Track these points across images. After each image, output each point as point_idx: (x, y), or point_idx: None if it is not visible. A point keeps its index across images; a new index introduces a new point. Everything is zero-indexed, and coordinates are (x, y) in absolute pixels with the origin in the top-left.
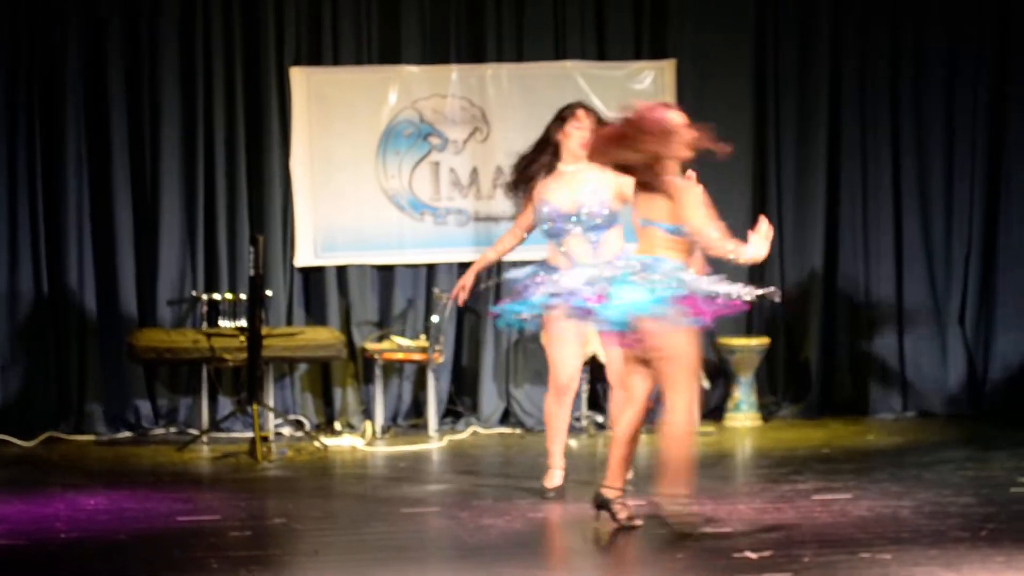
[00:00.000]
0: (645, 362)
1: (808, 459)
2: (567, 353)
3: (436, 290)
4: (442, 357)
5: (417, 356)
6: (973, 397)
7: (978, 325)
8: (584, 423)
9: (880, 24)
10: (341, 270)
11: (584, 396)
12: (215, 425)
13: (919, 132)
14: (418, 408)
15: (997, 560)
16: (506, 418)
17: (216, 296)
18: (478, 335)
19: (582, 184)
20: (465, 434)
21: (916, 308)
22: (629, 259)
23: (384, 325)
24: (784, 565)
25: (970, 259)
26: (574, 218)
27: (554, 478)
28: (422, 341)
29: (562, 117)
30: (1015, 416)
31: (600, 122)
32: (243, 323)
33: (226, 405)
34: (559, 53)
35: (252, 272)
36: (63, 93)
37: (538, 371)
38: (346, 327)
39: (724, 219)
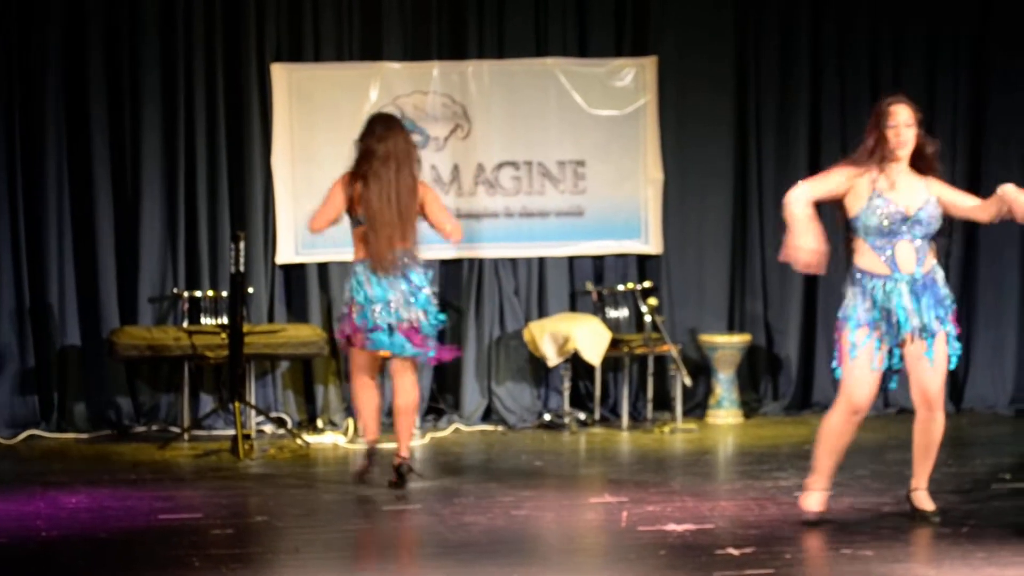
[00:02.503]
0: None
1: (790, 456)
2: None
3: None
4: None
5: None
6: (954, 394)
7: (959, 320)
8: (566, 420)
9: (860, 17)
10: (323, 267)
11: (566, 393)
12: (197, 423)
13: None
14: None
15: (978, 556)
16: (488, 415)
17: (197, 293)
18: (460, 332)
19: None
20: (447, 431)
21: None
22: None
23: None
24: (766, 562)
25: (950, 260)
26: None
27: None
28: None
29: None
30: (995, 413)
31: None
32: (225, 320)
33: (208, 403)
34: (540, 50)
35: (233, 269)
36: (43, 88)
37: (520, 368)
38: (328, 324)
39: (706, 216)
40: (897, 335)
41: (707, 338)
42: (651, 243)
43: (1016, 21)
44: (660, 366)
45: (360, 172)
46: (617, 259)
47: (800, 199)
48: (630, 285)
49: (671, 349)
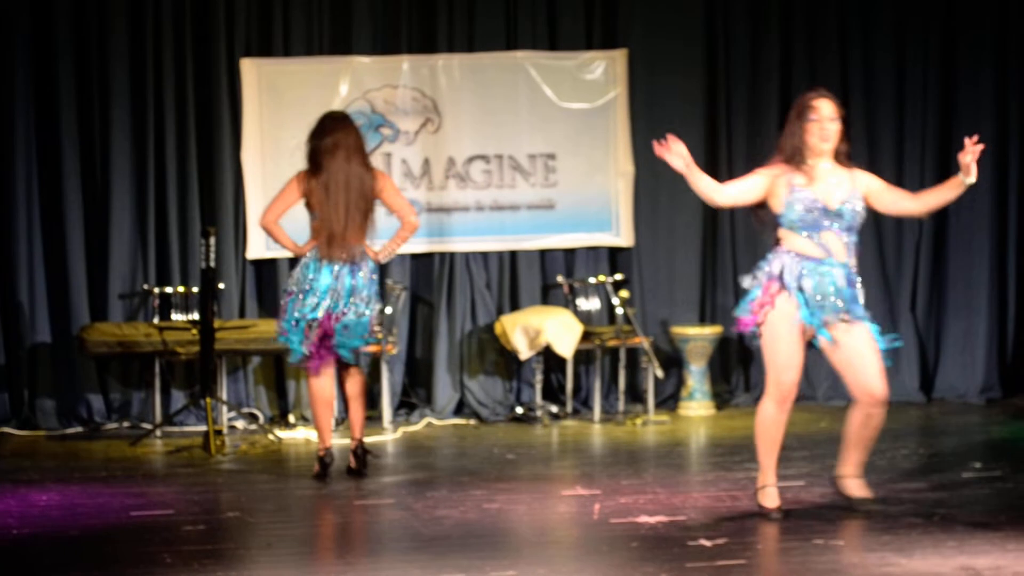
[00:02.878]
0: None
1: None
2: None
3: (389, 281)
4: (396, 349)
5: (371, 348)
6: (925, 383)
7: (929, 312)
8: (539, 413)
9: (830, 6)
10: (294, 262)
11: (538, 386)
12: (168, 419)
13: (869, 123)
14: (372, 400)
15: (949, 545)
16: (460, 409)
17: (168, 289)
18: (431, 326)
19: None
20: (419, 425)
21: (868, 295)
22: None
23: None
24: (738, 552)
25: (920, 246)
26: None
27: None
28: (376, 333)
29: None
30: (966, 401)
31: None
32: (195, 316)
33: (179, 399)
34: (510, 43)
35: (204, 265)
36: (12, 86)
37: (492, 361)
38: None
39: (677, 209)
40: (820, 316)
41: (679, 330)
42: (622, 236)
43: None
44: (632, 358)
45: (312, 167)
46: (588, 252)
47: (718, 192)
48: (601, 278)
49: (643, 341)
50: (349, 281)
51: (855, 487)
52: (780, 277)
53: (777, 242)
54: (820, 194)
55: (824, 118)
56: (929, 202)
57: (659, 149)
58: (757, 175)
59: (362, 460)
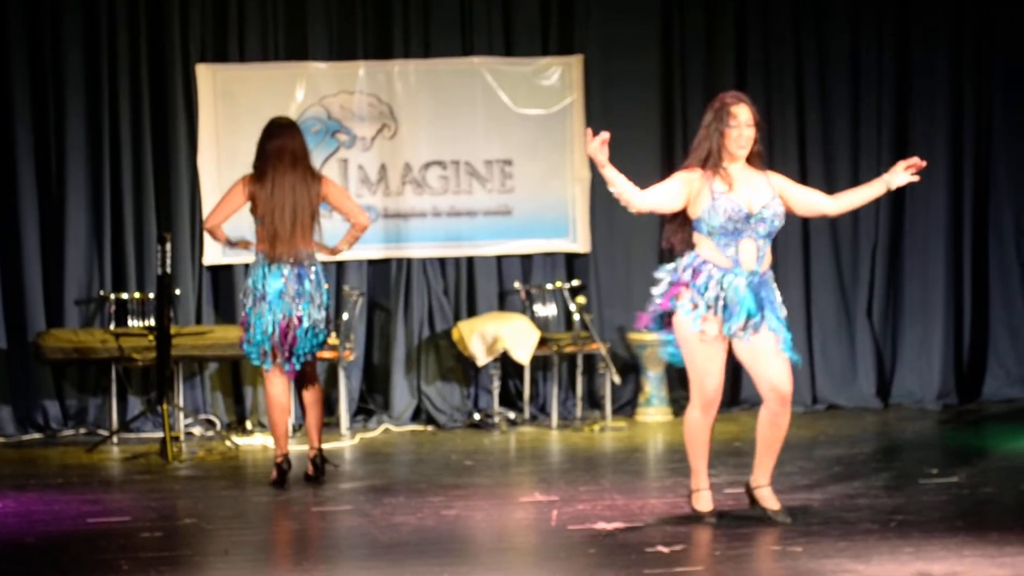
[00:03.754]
0: None
1: (719, 453)
2: None
3: (346, 287)
4: (353, 355)
5: (328, 354)
6: (882, 389)
7: (885, 317)
8: (496, 419)
9: (784, 12)
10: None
11: (495, 392)
12: (125, 426)
13: (825, 128)
14: (330, 406)
15: (906, 551)
16: (418, 415)
17: (124, 295)
18: (389, 332)
19: None
20: (377, 432)
21: (824, 301)
22: None
23: None
24: (696, 559)
25: (876, 251)
26: None
27: None
28: (332, 339)
29: None
30: (923, 408)
31: None
32: (152, 322)
33: (136, 405)
34: (466, 49)
35: (160, 271)
36: None
37: (450, 368)
38: None
39: (633, 215)
40: (730, 324)
41: (636, 336)
42: (579, 242)
43: None
44: (589, 364)
45: (257, 171)
46: (545, 258)
47: (636, 197)
48: (558, 284)
49: (600, 347)
50: (297, 285)
51: (766, 498)
52: (690, 283)
53: (691, 247)
54: (742, 200)
55: (742, 124)
56: (847, 203)
57: (588, 139)
58: (675, 181)
59: (320, 468)
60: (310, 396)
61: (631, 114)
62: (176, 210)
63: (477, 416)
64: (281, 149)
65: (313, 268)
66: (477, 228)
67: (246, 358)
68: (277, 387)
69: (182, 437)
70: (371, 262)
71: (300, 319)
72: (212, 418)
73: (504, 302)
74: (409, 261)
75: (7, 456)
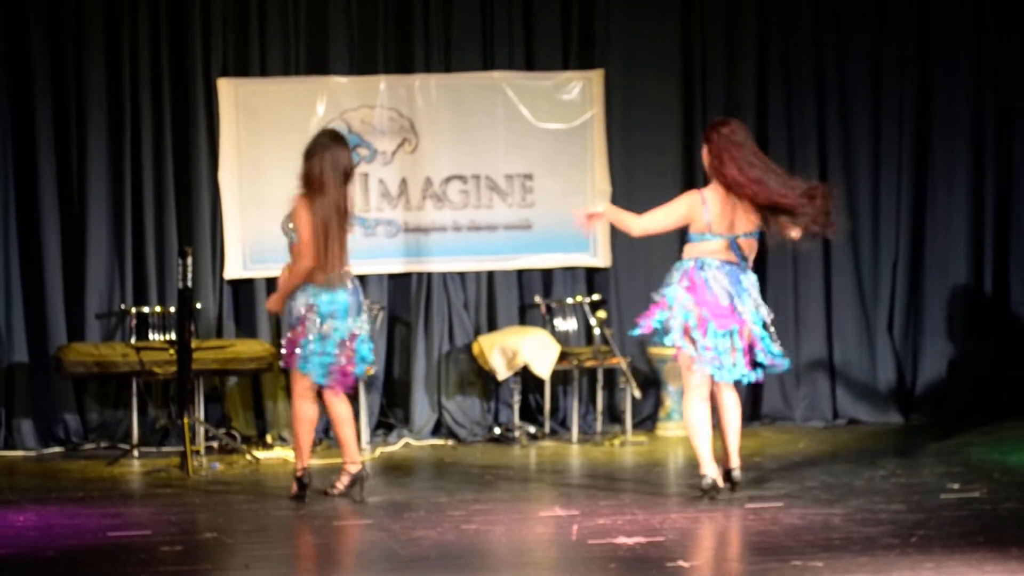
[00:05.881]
0: None
1: (740, 467)
2: None
3: (367, 301)
4: (373, 369)
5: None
6: (902, 404)
7: (906, 333)
8: (516, 434)
9: (804, 27)
10: (271, 282)
11: (516, 407)
12: (145, 439)
13: (845, 145)
14: None
15: (927, 567)
16: (438, 429)
17: (145, 309)
18: (409, 347)
19: None
20: (397, 446)
21: (845, 316)
22: None
23: None
24: (717, 574)
25: (897, 267)
26: None
27: None
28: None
29: None
30: (944, 423)
31: None
32: (173, 336)
33: (157, 419)
34: (487, 63)
35: (181, 285)
36: None
37: (470, 382)
38: (276, 339)
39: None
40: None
41: (656, 351)
42: (599, 256)
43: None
44: (610, 379)
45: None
46: (566, 272)
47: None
48: (579, 298)
49: (620, 362)
50: (351, 299)
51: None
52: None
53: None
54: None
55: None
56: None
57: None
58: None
59: (364, 485)
60: (345, 412)
61: (652, 128)
62: (197, 224)
63: (497, 430)
64: (335, 166)
65: (356, 286)
66: (497, 242)
67: (266, 372)
68: (311, 402)
69: (202, 451)
70: (391, 276)
71: (357, 334)
72: (233, 432)
73: (524, 316)
74: (429, 275)
75: (28, 469)
